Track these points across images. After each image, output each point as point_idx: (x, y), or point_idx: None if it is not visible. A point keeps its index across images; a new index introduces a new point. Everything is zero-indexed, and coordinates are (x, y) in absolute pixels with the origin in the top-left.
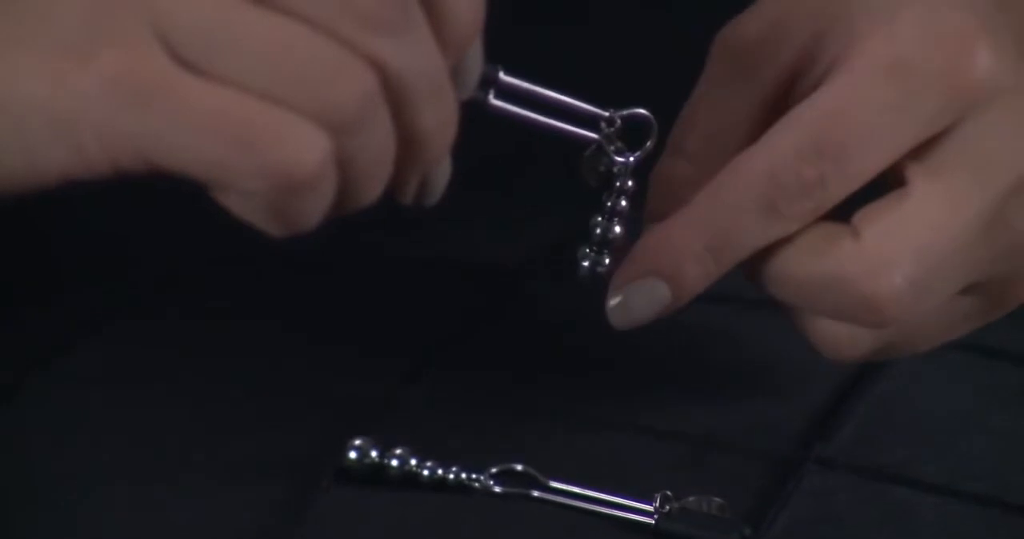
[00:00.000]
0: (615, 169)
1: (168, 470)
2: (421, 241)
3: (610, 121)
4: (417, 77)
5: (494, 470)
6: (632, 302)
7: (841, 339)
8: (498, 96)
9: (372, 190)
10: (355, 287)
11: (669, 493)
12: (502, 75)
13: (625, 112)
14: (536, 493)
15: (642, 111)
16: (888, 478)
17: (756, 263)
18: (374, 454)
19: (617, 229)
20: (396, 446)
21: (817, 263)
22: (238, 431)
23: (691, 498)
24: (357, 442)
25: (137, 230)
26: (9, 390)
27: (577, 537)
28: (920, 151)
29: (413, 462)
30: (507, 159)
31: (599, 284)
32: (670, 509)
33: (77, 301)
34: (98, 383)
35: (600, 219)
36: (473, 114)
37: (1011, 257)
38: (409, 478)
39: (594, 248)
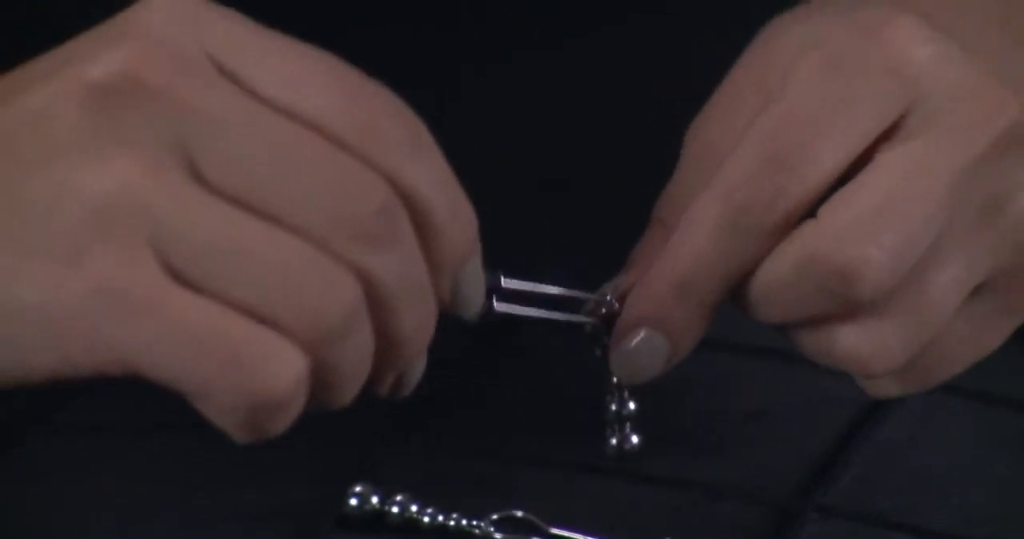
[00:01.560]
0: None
1: (168, 519)
2: None
3: (608, 304)
4: (401, 286)
5: (495, 516)
6: (634, 358)
7: (864, 351)
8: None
9: (349, 392)
10: None
11: None
12: (503, 281)
13: (622, 290)
14: None
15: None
16: (888, 526)
17: (740, 292)
18: (375, 500)
19: (632, 405)
20: (397, 492)
21: (784, 258)
22: (238, 478)
23: None
24: (358, 489)
25: None
26: (6, 441)
27: None
28: (885, 136)
29: (414, 508)
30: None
31: (628, 460)
32: None
33: None
34: (95, 432)
35: (613, 397)
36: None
37: (1014, 249)
38: (410, 524)
39: (615, 426)
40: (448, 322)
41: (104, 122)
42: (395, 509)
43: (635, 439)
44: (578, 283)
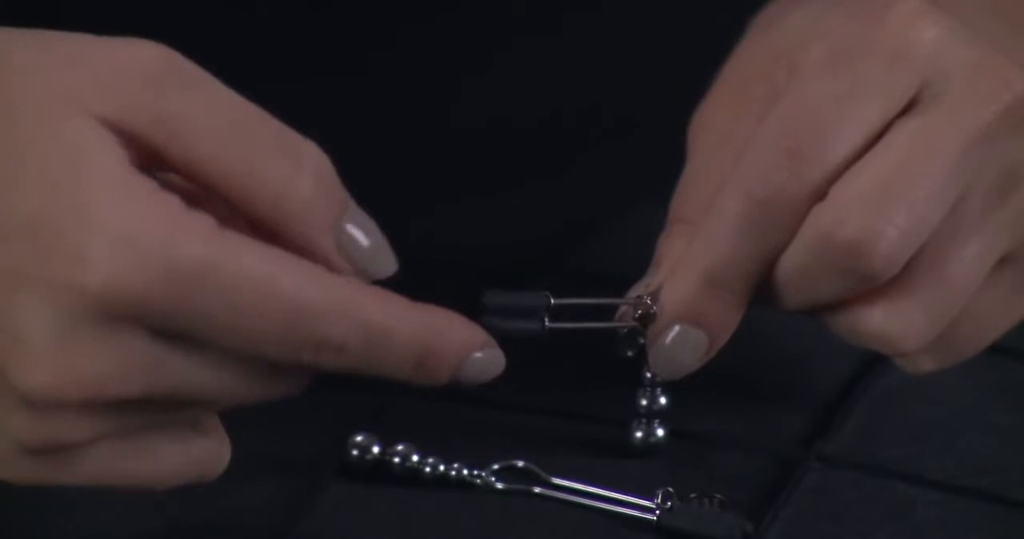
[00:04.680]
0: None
1: None
2: (416, 244)
3: (644, 305)
4: None
5: (496, 467)
6: (672, 354)
7: (892, 330)
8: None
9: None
10: None
11: (671, 489)
12: (552, 301)
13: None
14: (538, 490)
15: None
16: (889, 475)
17: (765, 284)
18: (376, 450)
19: (663, 400)
20: (398, 442)
21: (799, 242)
22: (240, 429)
23: (692, 495)
24: (359, 438)
25: None
26: None
27: (579, 534)
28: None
29: (415, 458)
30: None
31: (653, 455)
32: (672, 505)
33: None
34: None
35: (644, 390)
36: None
37: None
38: (411, 474)
39: (643, 420)
40: (449, 274)
41: (80, 335)
42: (396, 459)
43: (660, 433)
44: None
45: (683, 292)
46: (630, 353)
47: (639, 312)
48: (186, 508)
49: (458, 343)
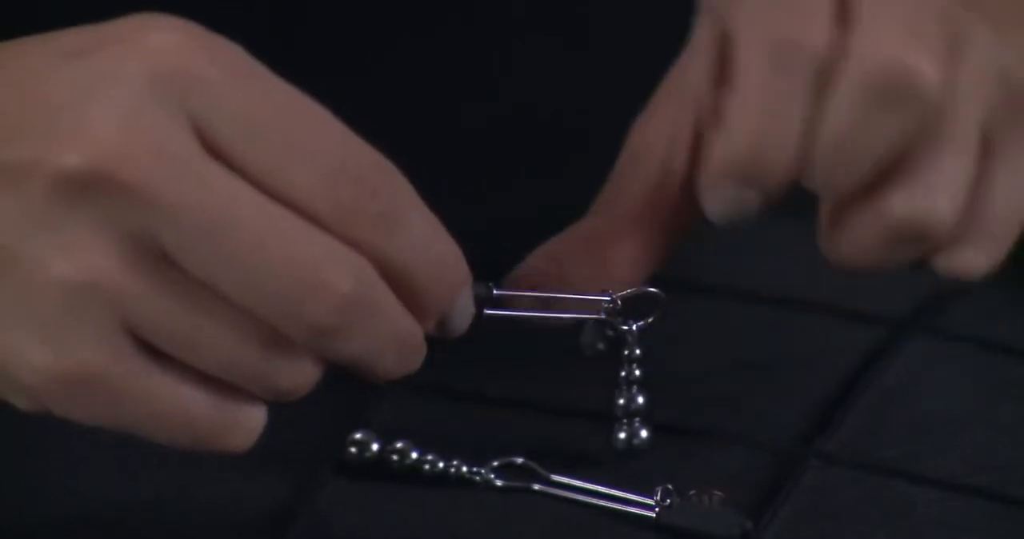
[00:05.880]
0: (628, 338)
1: (167, 464)
2: None
3: (612, 302)
4: (384, 342)
5: (495, 463)
6: (725, 203)
7: (917, 207)
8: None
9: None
10: None
11: (670, 487)
12: (495, 291)
13: (629, 292)
14: (537, 486)
15: (651, 289)
16: (889, 472)
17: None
18: (375, 447)
19: (640, 400)
20: (397, 439)
21: (843, 90)
22: None
23: (692, 492)
24: (358, 436)
25: None
26: None
27: (578, 531)
28: None
29: (414, 455)
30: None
31: (637, 456)
32: (671, 503)
33: None
34: None
35: (621, 390)
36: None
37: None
38: (410, 471)
39: (624, 421)
40: None
41: (72, 211)
42: (395, 456)
43: (644, 433)
44: None
45: (730, 153)
46: (601, 346)
47: (607, 306)
48: (185, 505)
49: (462, 271)
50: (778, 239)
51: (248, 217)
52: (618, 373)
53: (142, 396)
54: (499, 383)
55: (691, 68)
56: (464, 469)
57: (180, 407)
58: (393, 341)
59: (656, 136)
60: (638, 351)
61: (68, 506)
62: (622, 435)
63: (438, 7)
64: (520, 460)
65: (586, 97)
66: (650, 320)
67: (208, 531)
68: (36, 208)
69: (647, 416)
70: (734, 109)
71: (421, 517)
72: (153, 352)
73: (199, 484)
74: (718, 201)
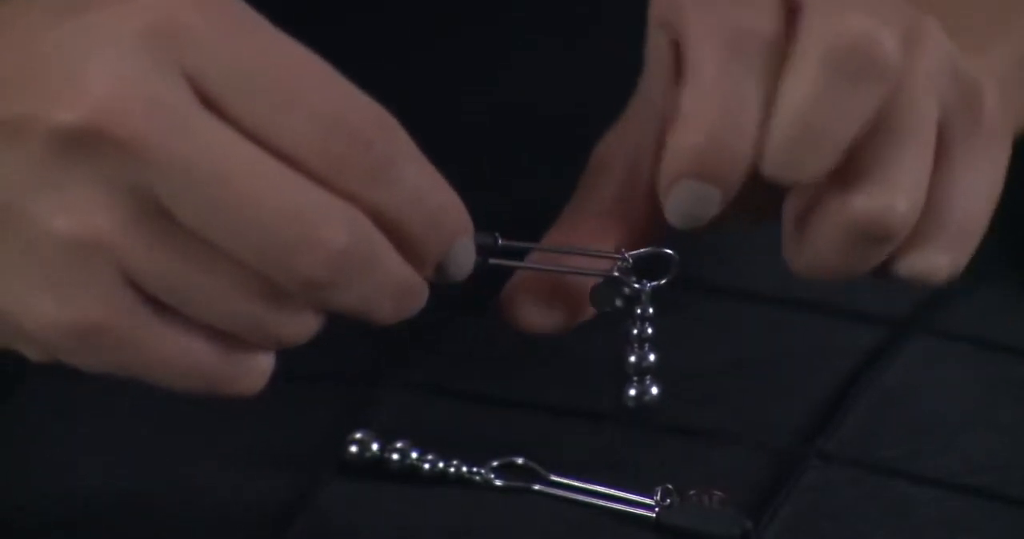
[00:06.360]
0: (642, 296)
1: (167, 465)
2: None
3: (623, 261)
4: (381, 293)
5: (495, 463)
6: (684, 201)
7: (875, 205)
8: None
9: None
10: None
11: (670, 486)
12: (500, 242)
13: (643, 251)
14: (537, 487)
15: (666, 251)
16: (890, 472)
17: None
18: (375, 447)
19: (652, 357)
20: (397, 439)
21: (803, 62)
22: (239, 425)
23: (692, 492)
24: (358, 435)
25: None
26: (10, 383)
27: (578, 531)
28: None
29: (414, 455)
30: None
31: (647, 412)
32: (671, 502)
33: None
34: (96, 377)
35: (632, 348)
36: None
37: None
38: (410, 471)
39: (635, 378)
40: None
41: (69, 167)
42: (395, 456)
43: (655, 390)
44: None
45: (687, 148)
46: (619, 303)
47: (619, 264)
48: (185, 504)
49: (462, 213)
50: (779, 239)
51: (241, 170)
52: (630, 331)
53: (148, 345)
54: (499, 383)
55: (650, 78)
56: (464, 469)
57: (186, 355)
58: (390, 291)
59: (620, 146)
60: (651, 310)
61: (68, 506)
62: (632, 392)
63: (439, 5)
64: (520, 460)
65: (586, 94)
66: (663, 281)
67: (208, 530)
68: (35, 165)
69: (658, 373)
70: (689, 100)
71: (421, 517)
72: (158, 303)
73: (199, 483)
74: (678, 200)
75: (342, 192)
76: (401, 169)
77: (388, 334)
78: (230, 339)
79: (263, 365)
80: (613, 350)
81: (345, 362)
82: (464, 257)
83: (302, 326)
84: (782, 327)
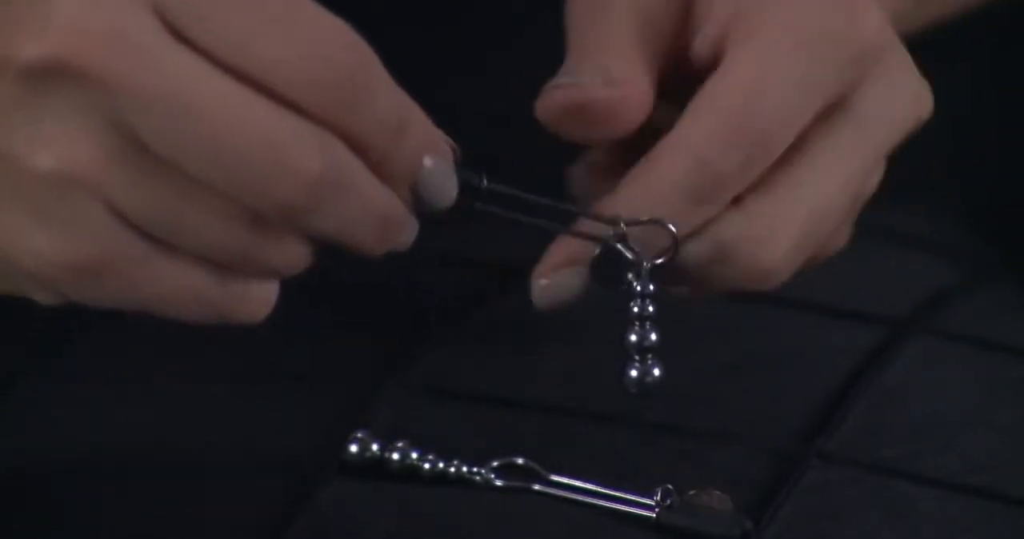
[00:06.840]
0: (640, 272)
1: (167, 464)
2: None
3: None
4: (354, 223)
5: (495, 463)
6: (557, 287)
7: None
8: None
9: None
10: (354, 279)
11: (670, 487)
12: (485, 183)
13: (641, 221)
14: (537, 487)
15: (669, 227)
16: (889, 472)
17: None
18: (375, 447)
19: (653, 336)
20: (397, 439)
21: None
22: (238, 425)
23: (692, 492)
24: (358, 435)
25: None
26: (5, 384)
27: (578, 531)
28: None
29: (414, 455)
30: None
31: (650, 394)
32: (671, 503)
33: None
34: (96, 378)
35: (633, 327)
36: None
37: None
38: (410, 471)
39: (636, 358)
40: (454, 277)
41: (44, 102)
42: (395, 456)
43: (657, 371)
44: None
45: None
46: (602, 283)
47: (614, 232)
48: (185, 504)
49: (431, 134)
50: None
51: (212, 100)
52: (630, 308)
53: (148, 278)
54: (499, 383)
55: None
56: (464, 469)
57: (188, 285)
58: (370, 216)
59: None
60: (652, 287)
61: (67, 505)
62: (634, 373)
63: (438, 3)
64: (520, 460)
65: None
66: (662, 260)
67: (208, 530)
68: (11, 102)
69: (660, 353)
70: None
71: (421, 517)
72: (151, 237)
73: (199, 483)
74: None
75: (315, 117)
76: (374, 92)
77: (388, 334)
78: (225, 269)
79: (265, 293)
80: (613, 350)
81: (345, 362)
82: (438, 181)
83: (291, 254)
84: (782, 327)
